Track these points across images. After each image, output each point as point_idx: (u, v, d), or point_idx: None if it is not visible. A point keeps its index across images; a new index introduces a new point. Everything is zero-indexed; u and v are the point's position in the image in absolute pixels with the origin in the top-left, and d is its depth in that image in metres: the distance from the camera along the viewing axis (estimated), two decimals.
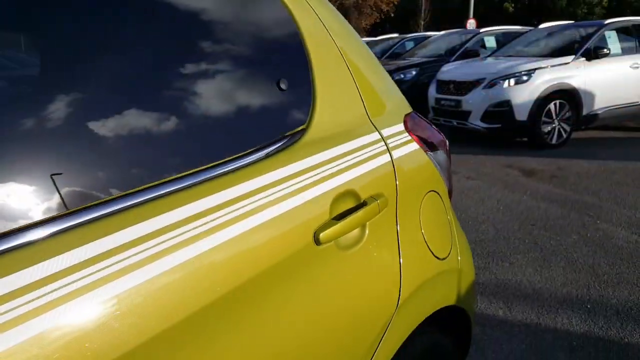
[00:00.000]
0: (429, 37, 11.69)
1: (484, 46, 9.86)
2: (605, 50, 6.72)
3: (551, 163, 5.76)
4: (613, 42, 7.05)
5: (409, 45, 12.44)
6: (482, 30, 10.16)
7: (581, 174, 5.26)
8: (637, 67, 6.93)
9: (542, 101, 6.40)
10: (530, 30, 8.86)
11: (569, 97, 6.56)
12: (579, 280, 2.93)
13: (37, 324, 0.56)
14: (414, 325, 1.17)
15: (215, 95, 0.86)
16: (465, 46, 9.42)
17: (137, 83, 0.78)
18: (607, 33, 7.07)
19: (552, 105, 6.48)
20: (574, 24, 8.38)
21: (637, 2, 30.21)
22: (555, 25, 8.26)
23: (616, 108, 6.88)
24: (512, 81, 6.47)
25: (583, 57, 6.71)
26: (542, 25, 8.49)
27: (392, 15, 28.61)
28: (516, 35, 8.84)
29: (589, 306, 2.64)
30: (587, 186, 4.80)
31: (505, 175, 5.31)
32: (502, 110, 6.45)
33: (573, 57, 6.69)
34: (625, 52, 7.07)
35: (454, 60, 8.72)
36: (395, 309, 1.09)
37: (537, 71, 6.49)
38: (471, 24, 21.24)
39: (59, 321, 0.59)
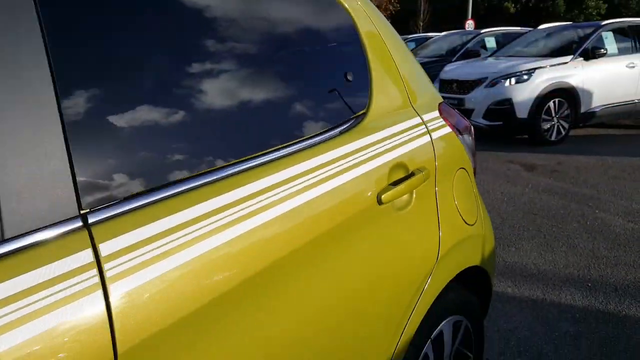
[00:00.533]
0: (430, 38, 11.94)
1: (484, 47, 10.11)
2: (602, 50, 6.97)
3: (551, 158, 6.01)
4: (610, 42, 7.30)
5: (411, 45, 12.69)
6: (482, 31, 10.41)
7: (580, 168, 5.51)
8: (633, 67, 7.19)
9: (542, 99, 6.65)
10: (530, 31, 9.11)
11: (567, 95, 6.81)
12: (579, 262, 3.17)
13: (156, 268, 0.74)
14: (447, 280, 1.41)
15: (303, 85, 1.10)
16: (466, 47, 9.67)
17: (243, 79, 1.01)
18: (604, 34, 7.32)
19: (551, 104, 6.73)
20: (572, 24, 8.63)
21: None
22: (554, 26, 8.51)
23: (613, 106, 7.14)
24: (513, 80, 6.72)
25: (581, 57, 6.96)
26: (541, 26, 8.74)
27: (393, 14, 28.92)
28: (516, 35, 9.10)
29: (589, 284, 2.88)
30: (585, 179, 5.04)
31: (507, 170, 5.55)
32: (504, 108, 6.69)
33: (571, 57, 6.94)
34: (621, 52, 7.32)
35: (455, 61, 8.98)
36: (435, 263, 1.33)
37: (536, 70, 6.74)
38: (469, 24, 21.50)
39: (162, 268, 0.75)
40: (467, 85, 7.17)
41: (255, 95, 1.00)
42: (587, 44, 7.04)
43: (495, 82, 6.84)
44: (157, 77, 0.83)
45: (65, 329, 0.63)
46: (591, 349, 2.28)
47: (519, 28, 10.88)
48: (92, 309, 0.66)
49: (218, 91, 0.92)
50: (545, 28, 8.60)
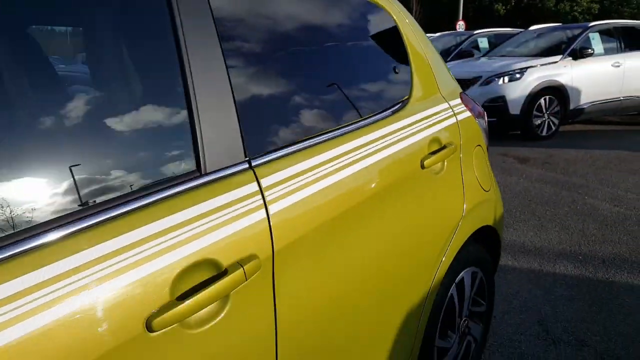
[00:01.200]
0: None
1: (476, 47, 10.51)
2: (589, 50, 7.38)
3: (542, 152, 6.40)
4: (596, 43, 7.72)
5: None
6: (475, 32, 10.81)
7: (569, 160, 5.91)
8: (618, 66, 7.61)
9: (533, 97, 7.05)
10: (521, 32, 9.53)
11: (557, 93, 7.21)
12: (571, 240, 3.54)
13: (296, 196, 1.08)
14: (469, 233, 1.75)
15: (367, 77, 1.44)
16: (460, 47, 10.06)
17: (334, 74, 1.35)
18: (591, 35, 7.74)
19: (542, 101, 7.13)
20: (561, 26, 9.05)
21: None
22: (544, 27, 8.93)
23: (600, 103, 7.56)
24: (506, 79, 7.11)
25: (570, 56, 7.37)
26: (531, 28, 9.16)
27: None
28: (508, 36, 9.51)
29: (580, 257, 3.25)
30: (575, 170, 5.44)
31: (502, 162, 5.93)
32: (498, 105, 7.07)
33: (561, 56, 7.35)
34: (607, 52, 7.74)
35: (450, 60, 9.36)
36: (461, 217, 1.67)
37: (528, 69, 7.14)
38: (460, 25, 21.96)
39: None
40: (463, 84, 7.55)
41: (336, 85, 1.34)
42: (576, 45, 7.45)
43: (489, 80, 7.22)
44: (290, 65, 1.18)
45: (242, 233, 0.96)
46: (583, 308, 2.64)
47: (510, 29, 11.29)
48: (259, 220, 0.99)
49: (321, 81, 1.28)
50: (536, 29, 9.02)
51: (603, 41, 7.81)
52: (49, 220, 0.74)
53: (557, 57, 7.34)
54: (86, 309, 0.73)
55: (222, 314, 0.91)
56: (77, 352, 0.71)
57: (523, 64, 7.23)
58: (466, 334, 1.93)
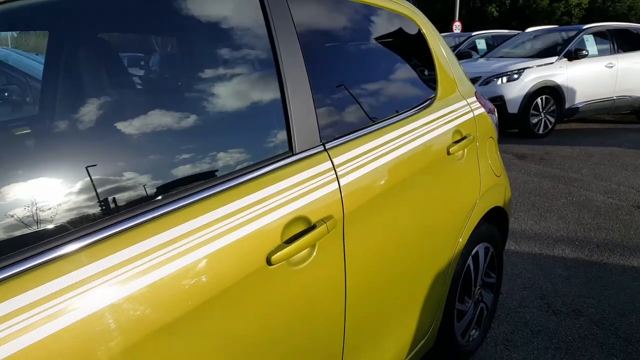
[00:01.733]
0: None
1: (474, 48, 10.84)
2: (584, 51, 7.71)
3: (539, 149, 6.72)
4: (591, 44, 8.05)
5: None
6: (473, 33, 11.14)
7: (565, 156, 6.23)
8: (612, 67, 7.95)
9: (531, 96, 7.37)
10: (518, 33, 9.85)
11: (553, 93, 7.54)
12: (568, 227, 3.85)
13: (360, 171, 1.39)
14: (484, 212, 2.05)
15: (404, 79, 1.74)
16: (459, 48, 10.38)
17: (381, 76, 1.64)
18: (585, 37, 8.07)
19: (539, 100, 7.46)
20: (557, 28, 9.39)
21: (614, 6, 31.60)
22: (540, 29, 9.26)
23: (593, 102, 7.89)
24: (505, 79, 7.43)
25: (565, 57, 7.70)
26: (528, 30, 9.48)
27: None
28: (505, 38, 9.82)
29: (577, 243, 3.56)
30: (570, 165, 5.76)
31: (502, 159, 6.23)
32: (496, 104, 7.38)
33: (556, 57, 7.68)
34: (601, 53, 8.08)
35: None
36: (478, 197, 1.97)
37: (526, 70, 7.46)
38: (457, 26, 22.33)
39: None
40: None
41: (383, 85, 1.64)
42: (571, 46, 7.78)
43: (488, 80, 7.54)
44: (349, 70, 1.48)
45: (323, 199, 1.26)
46: (579, 285, 2.94)
47: (507, 31, 11.62)
48: (333, 190, 1.29)
49: (369, 82, 1.58)
50: (532, 31, 9.35)
51: (597, 43, 8.14)
52: (197, 184, 1.03)
53: (553, 58, 7.67)
54: (236, 244, 1.03)
55: (311, 258, 1.20)
56: (232, 274, 1.01)
57: (521, 65, 7.55)
58: (479, 301, 2.23)
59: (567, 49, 7.76)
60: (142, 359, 0.85)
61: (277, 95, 1.24)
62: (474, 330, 2.22)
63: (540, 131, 7.57)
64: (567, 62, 7.67)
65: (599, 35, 8.25)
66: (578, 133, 7.86)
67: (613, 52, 8.16)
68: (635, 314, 2.60)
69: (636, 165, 5.65)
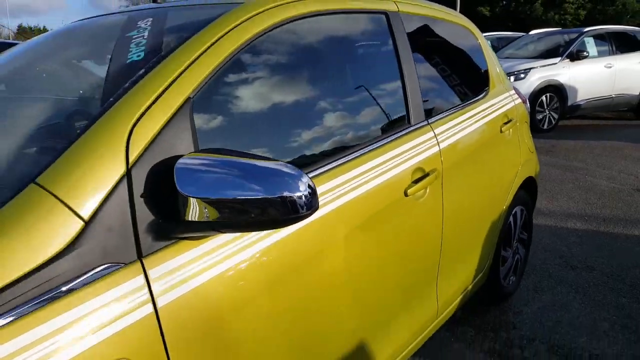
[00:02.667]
0: None
1: None
2: (585, 53, 8.32)
3: (545, 142, 7.31)
4: (591, 46, 8.66)
5: None
6: None
7: (569, 149, 6.82)
8: (610, 67, 8.55)
9: (536, 94, 7.96)
10: (522, 36, 10.45)
11: (556, 91, 8.14)
12: (577, 206, 4.44)
13: (444, 144, 1.96)
14: (522, 179, 2.62)
15: (468, 76, 2.31)
16: None
17: (448, 77, 2.21)
18: (586, 39, 8.67)
19: (543, 98, 8.05)
20: (559, 30, 10.00)
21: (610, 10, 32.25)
22: (543, 32, 9.87)
23: (594, 100, 8.49)
24: (512, 78, 8.01)
25: (567, 58, 8.30)
26: (531, 32, 10.09)
27: None
28: (510, 39, 10.42)
29: (586, 218, 4.15)
30: (575, 157, 6.35)
31: None
32: None
33: (559, 58, 8.28)
34: (600, 54, 8.69)
35: None
36: (519, 169, 2.55)
37: (531, 70, 8.05)
38: None
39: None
40: None
41: (455, 79, 2.21)
42: (572, 48, 8.38)
43: None
44: (437, 68, 2.04)
45: (431, 156, 1.83)
46: (591, 248, 3.52)
47: (511, 33, 12.22)
48: (436, 151, 1.86)
49: (451, 77, 2.15)
50: (536, 34, 9.96)
51: (597, 45, 8.75)
52: (366, 142, 1.60)
53: (556, 59, 8.27)
54: (389, 181, 1.60)
55: (425, 195, 1.76)
56: (387, 199, 1.58)
57: (526, 65, 8.14)
58: (516, 252, 2.80)
59: (569, 50, 8.36)
60: (357, 239, 1.43)
61: (401, 89, 1.81)
62: (512, 277, 2.80)
63: (545, 127, 8.16)
64: (569, 62, 8.26)
65: (599, 38, 8.86)
66: (579, 129, 8.46)
67: (612, 53, 8.77)
68: (639, 268, 3.19)
69: (634, 156, 6.26)
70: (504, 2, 36.12)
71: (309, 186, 1.02)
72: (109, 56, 1.39)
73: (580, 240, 3.67)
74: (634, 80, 8.75)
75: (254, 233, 1.17)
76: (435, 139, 1.87)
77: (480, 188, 2.17)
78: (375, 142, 1.63)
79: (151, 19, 1.38)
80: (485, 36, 11.72)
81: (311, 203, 1.01)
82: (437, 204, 1.83)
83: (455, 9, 24.52)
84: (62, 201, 0.91)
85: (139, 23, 1.37)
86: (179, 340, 1.00)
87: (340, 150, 1.50)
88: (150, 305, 0.97)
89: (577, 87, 8.28)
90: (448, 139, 1.94)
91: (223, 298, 1.10)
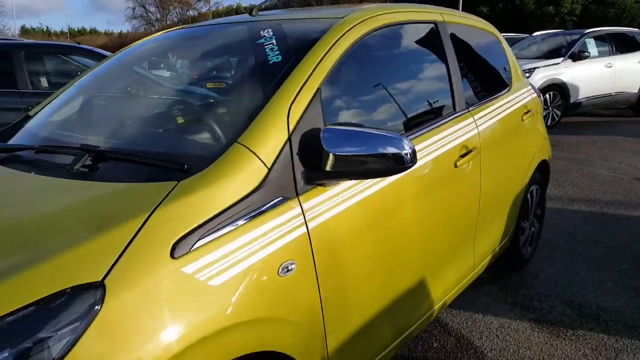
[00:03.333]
0: None
1: None
2: (586, 53, 8.78)
3: (550, 137, 7.75)
4: (592, 47, 9.13)
5: None
6: None
7: (572, 143, 7.29)
8: (610, 67, 9.02)
9: (540, 92, 8.40)
10: (527, 37, 10.92)
11: (559, 89, 8.60)
12: (581, 192, 4.90)
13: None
14: (539, 161, 3.07)
15: (494, 74, 2.78)
16: None
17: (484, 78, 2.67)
18: (587, 40, 9.14)
19: (547, 96, 8.51)
20: (561, 32, 10.47)
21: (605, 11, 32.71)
22: (546, 33, 10.34)
23: (594, 98, 8.96)
24: None
25: (569, 58, 8.76)
26: (535, 34, 10.56)
27: None
28: (515, 41, 10.89)
29: (589, 202, 4.61)
30: (578, 150, 6.82)
31: None
32: None
33: (562, 58, 8.74)
34: (601, 54, 9.15)
35: None
36: (535, 152, 3.01)
37: (535, 70, 8.51)
38: None
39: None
40: None
41: (486, 75, 2.67)
42: (574, 48, 8.84)
43: None
44: (474, 66, 2.51)
45: (471, 137, 2.29)
46: (596, 226, 3.98)
47: (514, 34, 12.69)
48: (474, 133, 2.32)
49: (483, 74, 2.61)
50: (539, 35, 10.43)
51: (597, 45, 9.22)
52: (429, 123, 2.06)
53: (559, 59, 8.73)
54: (447, 152, 2.06)
55: (469, 167, 2.22)
56: (444, 168, 2.05)
57: (532, 65, 8.60)
58: (532, 225, 3.26)
59: (571, 51, 8.82)
60: (424, 197, 1.89)
61: (448, 82, 2.27)
62: (529, 247, 3.26)
63: (549, 123, 8.61)
64: (571, 62, 8.72)
65: (599, 39, 9.33)
66: (581, 125, 8.94)
67: (612, 53, 9.24)
68: (638, 244, 3.65)
69: (633, 150, 6.73)
70: (503, 3, 36.44)
71: (410, 147, 1.48)
72: (247, 56, 1.87)
73: (585, 221, 4.13)
74: (633, 79, 9.22)
75: (359, 186, 1.62)
76: (474, 123, 2.33)
77: (506, 166, 2.63)
78: (433, 124, 2.09)
79: (270, 29, 1.84)
80: None
81: (412, 158, 1.47)
82: (476, 176, 2.29)
83: (457, 8, 25.11)
84: (255, 154, 1.37)
85: (262, 32, 1.83)
86: (319, 250, 1.46)
87: (411, 128, 1.97)
88: (304, 227, 1.43)
89: (579, 86, 8.74)
90: (484, 124, 2.40)
91: (342, 228, 1.56)
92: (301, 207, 1.44)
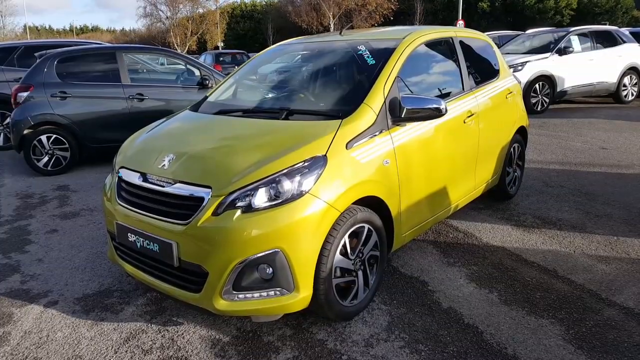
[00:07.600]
0: None
1: None
2: (570, 48, 10.26)
3: (538, 120, 9.26)
4: (576, 43, 10.60)
5: None
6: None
7: (556, 124, 8.79)
8: (592, 60, 10.49)
9: (531, 83, 9.90)
10: (520, 34, 12.38)
11: (548, 80, 10.08)
12: (557, 157, 6.40)
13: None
14: (518, 126, 4.56)
15: (486, 70, 4.29)
16: None
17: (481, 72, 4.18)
18: (572, 37, 10.61)
19: (537, 85, 10.00)
20: (550, 30, 11.94)
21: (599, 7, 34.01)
22: (537, 31, 11.82)
23: (578, 87, 10.44)
24: (512, 70, 9.95)
25: (556, 53, 10.24)
26: (528, 31, 12.03)
27: (392, 18, 32.32)
28: (510, 38, 12.37)
29: (564, 164, 6.11)
30: (560, 129, 8.32)
31: None
32: None
33: (550, 53, 10.22)
34: (584, 50, 10.62)
35: None
36: (517, 119, 4.51)
37: (527, 63, 9.99)
38: (460, 24, 24.87)
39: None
40: None
41: (483, 69, 4.17)
42: (560, 44, 10.32)
43: None
44: (474, 65, 4.01)
45: (473, 107, 3.79)
46: (564, 178, 5.48)
47: (510, 32, 14.15)
48: (475, 104, 3.82)
49: (482, 67, 4.11)
50: (531, 32, 11.90)
51: (581, 42, 10.69)
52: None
53: (548, 54, 10.21)
54: (460, 115, 3.58)
55: (472, 123, 3.73)
56: (457, 123, 3.57)
57: (524, 59, 10.08)
58: (515, 171, 4.77)
59: (558, 46, 10.30)
60: (449, 137, 3.42)
61: (459, 73, 3.77)
62: (513, 187, 4.77)
63: (538, 109, 10.12)
64: (558, 56, 10.20)
65: (582, 35, 10.79)
66: (566, 110, 10.43)
67: (593, 48, 10.70)
68: (592, 187, 5.16)
69: (605, 128, 8.23)
70: None
71: (444, 104, 2.99)
72: (356, 59, 3.40)
73: (557, 175, 5.65)
74: (612, 71, 10.70)
75: (419, 125, 3.13)
76: (475, 98, 3.83)
77: (496, 127, 4.14)
78: (452, 97, 3.59)
79: (363, 45, 3.36)
80: (488, 34, 13.70)
81: (445, 110, 2.98)
82: (476, 130, 3.80)
83: (457, 4, 26.50)
84: (371, 108, 2.88)
85: (359, 47, 3.35)
86: (399, 156, 2.97)
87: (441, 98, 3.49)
88: (392, 144, 2.94)
89: (564, 77, 10.22)
90: (481, 98, 3.90)
91: (409, 147, 3.07)
92: (390, 135, 2.95)
